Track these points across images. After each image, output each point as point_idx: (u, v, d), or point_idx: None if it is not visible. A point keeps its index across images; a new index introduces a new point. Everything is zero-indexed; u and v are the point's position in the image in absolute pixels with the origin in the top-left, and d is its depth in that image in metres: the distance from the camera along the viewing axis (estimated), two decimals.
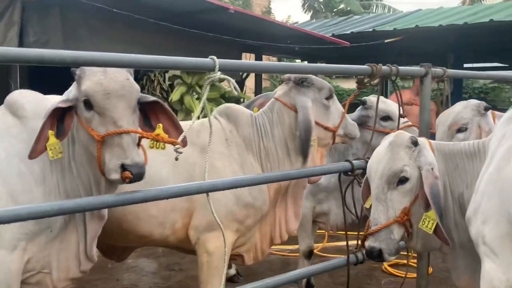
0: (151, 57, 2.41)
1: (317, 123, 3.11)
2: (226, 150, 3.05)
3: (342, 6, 25.24)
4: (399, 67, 3.28)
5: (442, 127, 3.47)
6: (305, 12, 26.92)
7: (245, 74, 8.46)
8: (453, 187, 2.58)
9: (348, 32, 8.19)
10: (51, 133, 2.33)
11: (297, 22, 13.91)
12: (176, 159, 2.31)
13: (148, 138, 2.37)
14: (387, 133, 3.15)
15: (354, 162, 3.16)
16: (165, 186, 2.88)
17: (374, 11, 26.79)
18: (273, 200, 3.14)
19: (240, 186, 2.77)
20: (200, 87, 7.09)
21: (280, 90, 3.23)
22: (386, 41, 7.38)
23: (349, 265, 3.19)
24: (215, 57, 2.46)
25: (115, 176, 2.25)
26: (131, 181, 2.23)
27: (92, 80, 2.33)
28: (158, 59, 2.43)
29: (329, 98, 3.16)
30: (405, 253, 5.40)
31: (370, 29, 7.87)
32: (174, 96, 6.90)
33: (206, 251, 2.99)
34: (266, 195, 3.07)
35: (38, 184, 2.48)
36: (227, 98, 7.28)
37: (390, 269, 5.37)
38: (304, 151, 3.04)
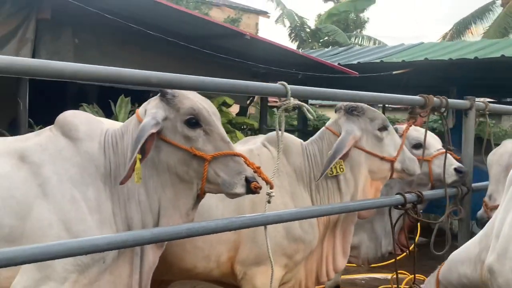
0: (220, 80, 2.31)
1: (370, 154, 3.01)
2: (277, 180, 2.92)
3: (327, 38, 25.48)
4: (448, 100, 3.22)
5: (497, 167, 3.38)
6: (291, 41, 27.09)
7: (249, 100, 8.36)
8: None
9: (355, 62, 8.17)
10: (138, 156, 2.20)
11: None
12: (269, 202, 2.31)
13: (251, 167, 2.30)
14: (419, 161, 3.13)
15: (407, 195, 3.05)
16: (214, 215, 2.76)
17: (360, 43, 27.14)
18: (321, 235, 3.01)
19: (302, 218, 2.64)
20: None
21: (331, 119, 3.14)
22: (394, 72, 7.37)
23: None
24: (285, 83, 2.37)
25: (241, 190, 2.23)
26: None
27: (191, 100, 2.31)
28: (228, 83, 2.33)
29: (382, 129, 3.05)
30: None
31: (378, 60, 7.87)
32: None
33: (253, 287, 2.84)
34: (316, 229, 2.94)
35: (93, 212, 2.31)
36: (234, 124, 7.18)
37: None
38: (324, 168, 2.89)
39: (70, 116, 2.47)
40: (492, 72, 7.39)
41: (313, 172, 2.99)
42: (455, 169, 3.39)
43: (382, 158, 3.03)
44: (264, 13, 25.56)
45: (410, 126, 3.23)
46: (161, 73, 2.02)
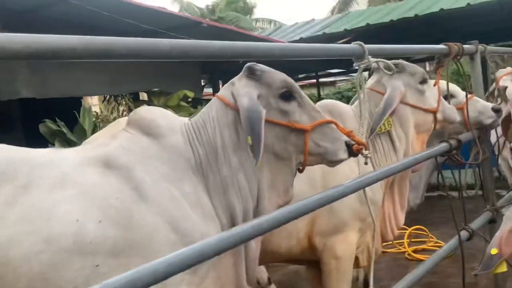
0: (300, 45, 2.26)
1: (415, 107, 3.06)
2: None
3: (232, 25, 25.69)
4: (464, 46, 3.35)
5: None
6: None
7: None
8: None
9: (297, 38, 8.28)
10: (249, 140, 2.08)
11: None
12: (366, 163, 2.29)
13: (343, 132, 2.26)
14: None
15: (451, 141, 3.14)
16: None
17: (262, 26, 27.64)
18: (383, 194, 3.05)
19: (378, 180, 2.63)
20: (170, 107, 6.81)
21: (371, 80, 3.16)
22: (339, 42, 7.54)
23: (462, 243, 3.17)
24: (362, 43, 2.35)
25: (345, 155, 2.22)
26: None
27: (280, 73, 2.24)
28: (307, 47, 2.27)
29: (423, 82, 3.11)
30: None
31: (321, 33, 8.01)
32: None
33: (334, 257, 2.84)
34: (381, 189, 2.97)
35: (194, 207, 2.18)
36: (189, 101, 6.97)
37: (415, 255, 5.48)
38: (374, 125, 2.93)
39: (146, 113, 2.31)
40: (435, 26, 7.71)
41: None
42: (493, 109, 3.52)
43: (426, 110, 3.09)
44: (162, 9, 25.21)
45: (440, 76, 3.32)
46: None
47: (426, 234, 5.82)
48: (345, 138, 2.26)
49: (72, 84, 5.50)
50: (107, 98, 7.25)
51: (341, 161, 2.25)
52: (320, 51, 2.33)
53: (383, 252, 5.26)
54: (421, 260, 5.32)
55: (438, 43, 3.18)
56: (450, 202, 3.20)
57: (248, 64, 2.25)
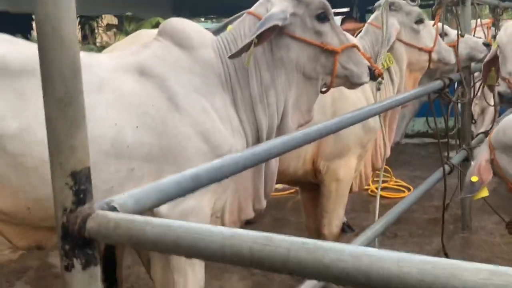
0: None
1: (408, 45, 3.20)
2: None
3: None
4: None
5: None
6: None
7: None
8: None
9: None
10: (255, 40, 2.14)
11: None
12: (379, 89, 2.36)
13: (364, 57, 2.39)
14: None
15: (444, 79, 3.32)
16: None
17: None
18: None
19: (381, 111, 2.77)
20: None
21: (373, 16, 3.27)
22: None
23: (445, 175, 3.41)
24: None
25: (367, 78, 2.36)
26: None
27: None
28: None
29: (418, 22, 3.24)
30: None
31: None
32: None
33: (336, 179, 3.00)
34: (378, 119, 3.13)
35: (224, 121, 2.25)
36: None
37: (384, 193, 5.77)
38: (379, 56, 3.05)
39: (178, 24, 2.32)
40: None
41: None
42: (484, 44, 3.70)
43: (420, 49, 3.24)
44: None
45: (439, 16, 3.45)
46: None
47: (389, 175, 6.11)
48: (367, 62, 2.38)
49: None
50: (78, 19, 7.02)
51: (363, 83, 2.39)
52: None
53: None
54: (384, 197, 5.63)
55: None
56: (438, 138, 3.43)
57: None
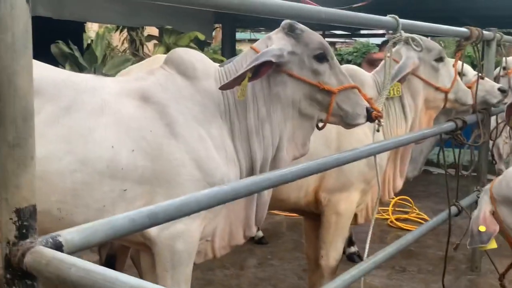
0: (335, 11, 2.36)
1: (426, 82, 3.19)
2: None
3: None
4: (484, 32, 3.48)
5: None
6: None
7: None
8: None
9: None
10: (249, 74, 2.20)
11: None
12: (378, 130, 2.48)
13: (364, 98, 2.41)
14: None
15: (457, 121, 3.30)
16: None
17: None
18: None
19: (388, 149, 2.79)
20: (179, 47, 6.83)
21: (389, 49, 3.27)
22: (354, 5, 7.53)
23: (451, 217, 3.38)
24: (396, 16, 2.47)
25: (363, 120, 2.38)
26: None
27: (318, 35, 2.36)
28: (341, 14, 2.38)
29: (438, 60, 3.23)
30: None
31: None
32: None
33: (335, 212, 3.02)
34: (387, 155, 3.14)
35: (219, 150, 2.33)
36: (200, 42, 6.98)
37: (397, 223, 5.73)
38: (384, 87, 2.96)
39: (184, 54, 2.42)
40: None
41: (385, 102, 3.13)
42: (499, 89, 3.66)
43: (437, 88, 3.22)
44: None
45: (459, 57, 3.44)
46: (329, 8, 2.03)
47: (411, 205, 6.05)
48: (366, 104, 2.41)
49: (89, 9, 5.51)
50: (120, 28, 7.24)
51: (357, 125, 2.42)
52: (356, 19, 2.45)
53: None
54: (402, 229, 5.59)
55: (451, 21, 3.29)
56: (446, 179, 3.40)
57: (288, 21, 2.35)
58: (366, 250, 2.68)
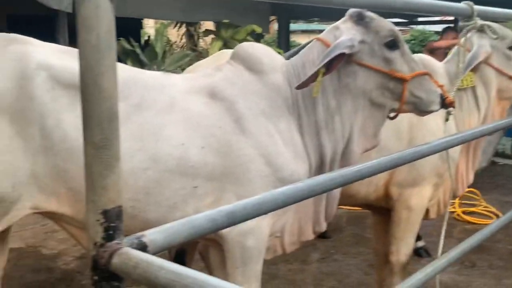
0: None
1: (499, 71, 3.05)
2: None
3: None
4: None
5: None
6: None
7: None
8: None
9: None
10: (322, 70, 2.17)
11: None
12: (447, 119, 2.40)
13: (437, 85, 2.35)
14: None
15: None
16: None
17: None
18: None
19: (464, 141, 2.67)
20: (236, 40, 6.84)
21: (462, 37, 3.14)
22: None
23: None
24: (471, 3, 2.34)
25: (437, 107, 2.32)
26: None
27: (387, 21, 2.30)
28: (415, 2, 2.28)
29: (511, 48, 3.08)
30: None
31: None
32: (213, 51, 6.62)
33: (407, 207, 2.95)
34: (459, 147, 3.02)
35: (287, 145, 2.30)
36: (257, 35, 6.94)
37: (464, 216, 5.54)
38: (456, 77, 2.89)
39: (251, 49, 2.40)
40: None
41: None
42: None
43: (511, 78, 3.07)
44: None
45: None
46: None
47: (477, 197, 5.85)
48: (439, 90, 2.34)
49: (150, 6, 5.59)
50: (178, 24, 7.32)
51: (432, 112, 2.35)
52: (429, 7, 2.33)
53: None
54: (469, 222, 5.40)
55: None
56: None
57: (357, 10, 2.29)
58: (440, 247, 2.58)
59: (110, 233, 1.10)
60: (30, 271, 4.13)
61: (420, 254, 4.39)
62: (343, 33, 2.27)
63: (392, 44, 2.28)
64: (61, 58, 2.10)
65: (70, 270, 4.21)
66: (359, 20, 2.28)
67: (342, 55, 2.17)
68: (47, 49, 2.12)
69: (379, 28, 2.28)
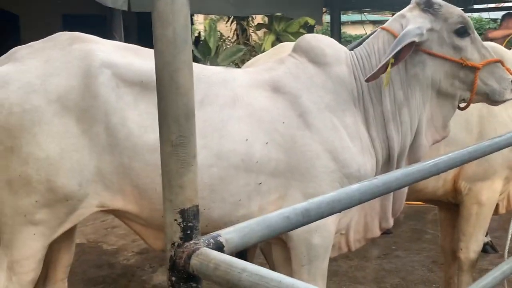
0: None
1: None
2: None
3: None
4: None
5: None
6: None
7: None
8: None
9: None
10: (391, 60, 2.10)
11: None
12: None
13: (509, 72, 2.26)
14: None
15: None
16: None
17: None
18: None
19: None
20: (289, 33, 6.80)
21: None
22: None
23: None
24: None
25: (510, 95, 2.23)
26: None
27: (456, 7, 2.23)
28: None
29: None
30: None
31: None
32: (266, 45, 6.60)
33: (477, 202, 2.82)
34: None
35: (353, 139, 2.22)
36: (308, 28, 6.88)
37: None
38: None
39: (314, 41, 2.33)
40: None
41: None
42: None
43: None
44: None
45: None
46: None
47: None
48: (511, 77, 2.22)
49: (202, 1, 5.59)
50: (230, 19, 7.32)
51: (505, 101, 2.25)
52: None
53: None
54: None
55: None
56: None
57: None
58: (508, 244, 2.46)
59: (188, 233, 1.07)
60: (92, 267, 4.21)
61: (486, 250, 4.22)
62: (410, 22, 2.18)
63: (462, 31, 2.18)
64: (124, 55, 2.10)
65: (130, 265, 4.26)
66: (427, 7, 2.19)
67: (411, 44, 2.09)
68: (109, 47, 2.12)
69: (448, 15, 2.18)
